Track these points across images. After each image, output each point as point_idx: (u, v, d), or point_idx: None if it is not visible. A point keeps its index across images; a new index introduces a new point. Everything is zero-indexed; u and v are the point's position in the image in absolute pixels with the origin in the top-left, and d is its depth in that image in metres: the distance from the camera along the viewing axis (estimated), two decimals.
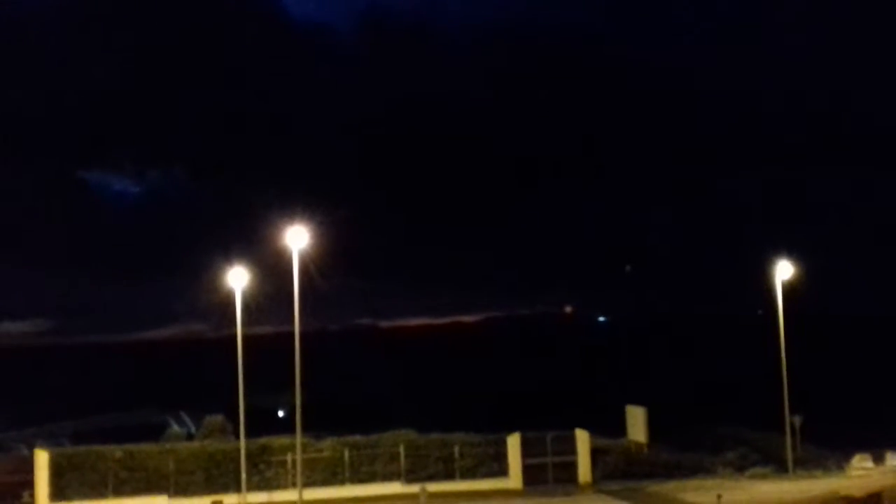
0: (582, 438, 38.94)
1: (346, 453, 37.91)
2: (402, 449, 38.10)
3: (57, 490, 36.30)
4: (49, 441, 45.48)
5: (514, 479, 38.35)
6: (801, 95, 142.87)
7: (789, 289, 40.79)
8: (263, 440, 37.85)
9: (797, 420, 40.38)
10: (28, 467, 36.67)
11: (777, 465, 39.74)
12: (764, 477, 38.10)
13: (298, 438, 33.54)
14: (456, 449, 38.50)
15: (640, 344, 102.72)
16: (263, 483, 37.13)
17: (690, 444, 44.32)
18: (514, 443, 38.62)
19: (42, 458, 36.68)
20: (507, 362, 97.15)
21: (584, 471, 38.75)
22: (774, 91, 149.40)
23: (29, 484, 36.24)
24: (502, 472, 38.47)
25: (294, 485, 35.20)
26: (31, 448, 39.99)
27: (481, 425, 41.00)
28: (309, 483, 35.95)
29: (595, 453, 39.33)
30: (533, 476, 38.33)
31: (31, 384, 70.72)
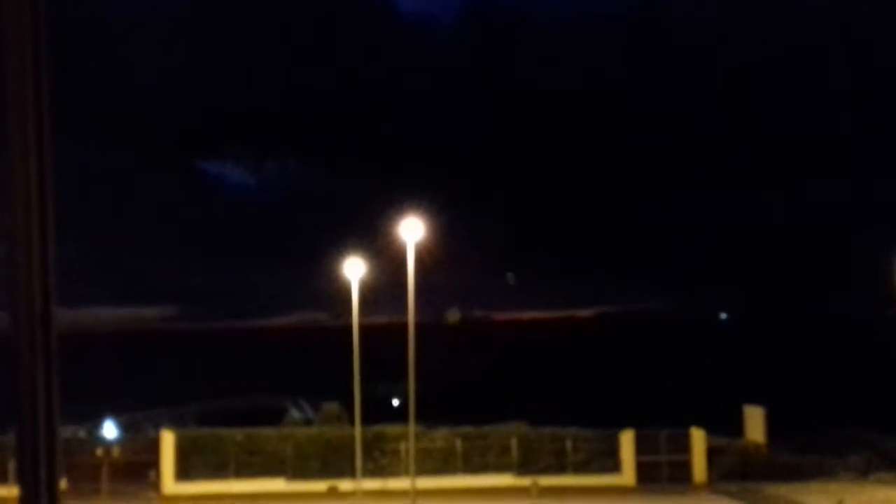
0: (697, 437, 38.26)
1: (459, 444, 38.20)
2: (514, 441, 38.18)
3: (182, 470, 37.71)
4: (175, 422, 47.21)
5: (627, 476, 37.97)
6: None
7: None
8: (378, 428, 38.48)
9: None
10: (155, 447, 38.22)
11: None
12: (889, 483, 36.69)
13: (412, 428, 33.94)
14: (568, 443, 38.35)
15: (760, 342, 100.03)
16: (377, 470, 37.75)
17: (811, 447, 42.97)
18: (627, 439, 38.23)
19: (168, 439, 38.16)
20: (620, 358, 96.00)
21: (699, 470, 38.07)
22: None
23: (155, 463, 37.77)
24: (615, 468, 38.13)
25: (407, 473, 35.68)
26: (158, 429, 41.59)
27: (594, 421, 40.70)
28: (422, 472, 36.37)
29: (711, 453, 38.58)
30: (646, 474, 37.87)
31: (159, 367, 73.57)
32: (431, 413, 39.78)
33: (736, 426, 41.49)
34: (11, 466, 31.50)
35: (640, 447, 38.02)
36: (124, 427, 44.02)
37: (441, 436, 38.57)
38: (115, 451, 37.29)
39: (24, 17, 3.06)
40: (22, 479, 2.98)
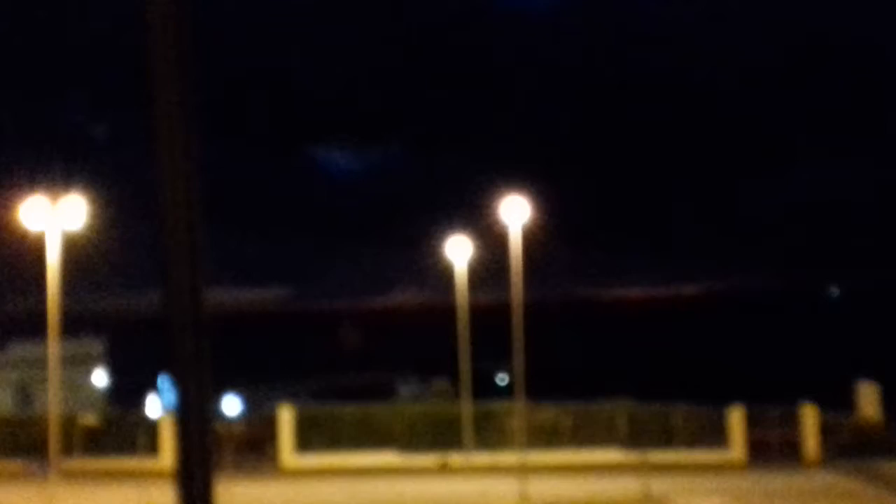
0: (810, 414, 37.78)
1: (566, 419, 38.62)
2: (621, 418, 38.39)
3: (299, 444, 39.18)
4: (290, 399, 48.89)
5: (737, 453, 37.77)
6: None
7: None
8: (486, 404, 39.18)
9: None
10: (273, 423, 39.78)
11: None
12: None
13: (520, 404, 34.49)
14: (676, 419, 38.36)
15: (873, 319, 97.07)
16: (486, 445, 38.47)
17: None
18: (736, 415, 38.00)
19: (286, 415, 39.66)
20: (729, 334, 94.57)
21: (811, 448, 37.62)
22: None
23: (274, 438, 39.34)
24: (724, 444, 37.98)
25: (516, 448, 36.31)
26: (275, 405, 43.18)
27: (702, 397, 40.52)
28: (530, 447, 36.87)
29: (824, 430, 38.05)
30: (756, 451, 37.60)
31: (274, 346, 75.94)
32: (538, 390, 40.29)
33: (849, 403, 40.77)
34: (140, 440, 33.41)
35: (750, 423, 37.75)
36: (245, 403, 45.89)
37: (549, 412, 39.06)
38: (237, 426, 38.96)
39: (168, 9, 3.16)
40: (178, 454, 3.11)
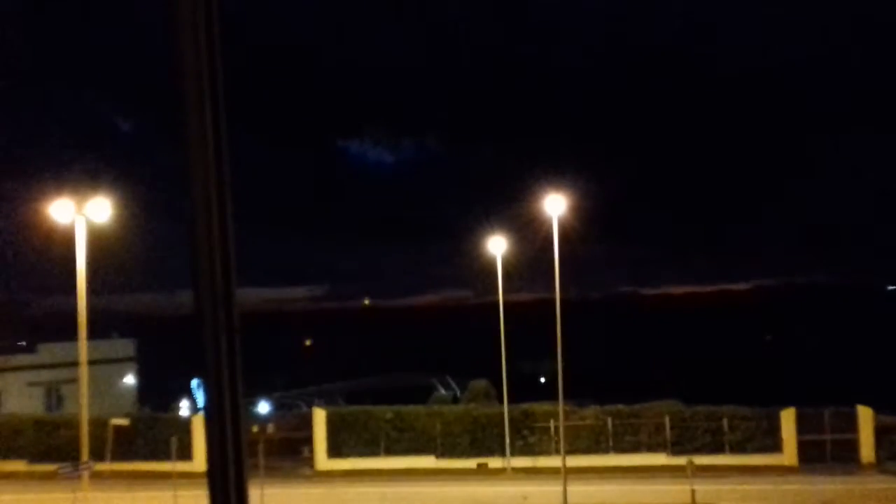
0: (864, 415, 36.12)
1: (610, 422, 37.34)
2: (667, 420, 37.03)
3: (333, 446, 38.33)
4: (325, 400, 48.17)
5: (789, 456, 36.24)
6: None
7: None
8: (526, 406, 38.04)
9: None
10: (307, 424, 39.00)
11: None
12: None
13: (561, 406, 33.34)
14: (725, 422, 36.90)
15: None
16: (527, 448, 37.36)
17: None
18: (788, 417, 36.46)
19: (320, 416, 38.83)
20: (778, 333, 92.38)
21: (866, 449, 35.97)
22: None
23: (308, 440, 38.54)
24: (775, 447, 36.46)
25: (557, 451, 35.13)
26: (309, 406, 42.45)
27: (751, 398, 39.05)
28: (572, 450, 35.73)
29: (879, 431, 36.37)
30: (809, 453, 36.05)
31: (309, 345, 75.41)
32: (580, 390, 39.06)
33: None
34: (172, 442, 32.67)
35: (803, 425, 36.21)
36: (277, 405, 45.18)
37: (591, 414, 37.81)
38: (270, 428, 38.20)
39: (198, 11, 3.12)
40: (210, 456, 3.06)
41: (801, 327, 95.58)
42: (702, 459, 34.38)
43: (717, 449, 36.65)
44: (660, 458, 36.47)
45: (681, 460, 33.81)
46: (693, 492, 29.16)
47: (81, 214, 29.52)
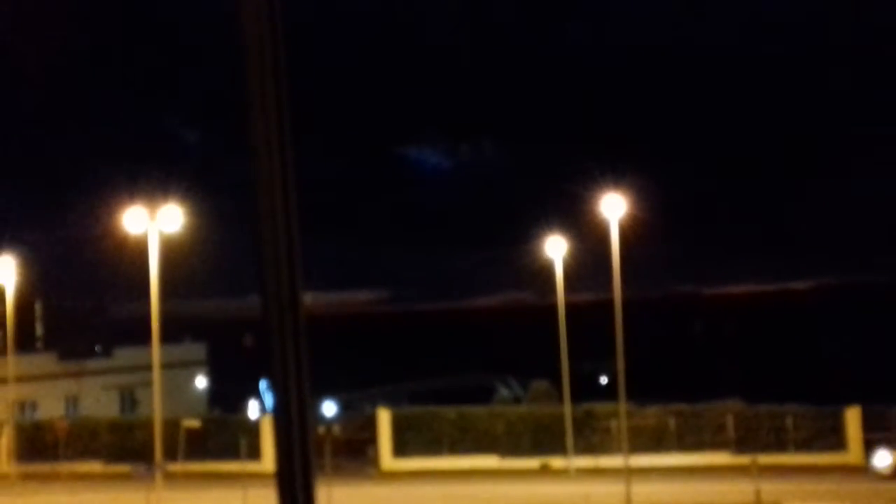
0: None
1: (672, 421, 37.44)
2: (729, 419, 37.01)
3: (397, 447, 38.97)
4: (389, 401, 48.85)
5: (854, 455, 36.01)
6: None
7: None
8: (587, 406, 38.29)
9: None
10: (372, 425, 39.68)
11: None
12: None
13: (622, 405, 33.57)
14: (788, 420, 36.78)
15: None
16: (589, 448, 37.58)
17: None
18: (853, 416, 36.24)
19: (384, 417, 39.51)
20: (841, 331, 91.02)
21: None
22: None
23: (373, 440, 39.23)
24: (840, 446, 36.26)
25: (619, 451, 35.35)
26: (373, 407, 43.15)
27: (815, 397, 38.82)
28: (634, 450, 35.88)
29: None
30: (874, 452, 35.74)
31: (372, 348, 76.29)
32: (641, 390, 39.14)
33: None
34: (242, 443, 33.56)
35: (868, 424, 35.95)
36: (342, 406, 45.97)
37: (653, 413, 37.93)
38: (336, 429, 38.96)
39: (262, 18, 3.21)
40: (279, 457, 3.12)
41: (862, 325, 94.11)
42: (765, 458, 34.34)
43: (780, 448, 36.56)
44: (723, 458, 36.48)
45: (744, 459, 33.82)
46: (758, 491, 29.20)
47: (154, 223, 30.59)
